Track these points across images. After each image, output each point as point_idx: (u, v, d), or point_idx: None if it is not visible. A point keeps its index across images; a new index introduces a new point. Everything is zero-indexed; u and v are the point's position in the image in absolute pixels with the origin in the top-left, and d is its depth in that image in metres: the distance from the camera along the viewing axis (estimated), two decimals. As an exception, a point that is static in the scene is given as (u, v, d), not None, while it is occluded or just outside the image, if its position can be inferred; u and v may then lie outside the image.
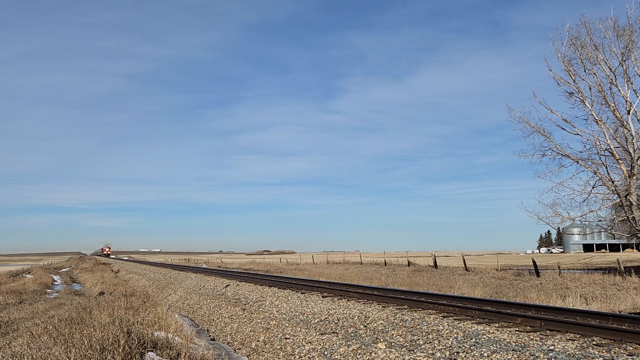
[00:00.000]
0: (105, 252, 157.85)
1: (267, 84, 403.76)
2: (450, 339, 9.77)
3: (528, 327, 10.15)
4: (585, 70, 27.37)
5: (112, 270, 61.04)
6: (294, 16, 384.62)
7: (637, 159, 26.04)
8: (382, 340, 10.76)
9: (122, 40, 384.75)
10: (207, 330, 17.20)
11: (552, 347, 8.38)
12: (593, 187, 27.76)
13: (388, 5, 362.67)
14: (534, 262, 28.73)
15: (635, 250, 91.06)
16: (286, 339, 12.86)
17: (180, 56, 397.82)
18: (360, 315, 12.96)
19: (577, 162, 27.99)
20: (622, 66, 26.37)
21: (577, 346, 8.38)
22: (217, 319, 18.04)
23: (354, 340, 11.21)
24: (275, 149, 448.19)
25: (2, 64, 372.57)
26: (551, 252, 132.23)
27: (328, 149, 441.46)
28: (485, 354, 8.66)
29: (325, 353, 11.03)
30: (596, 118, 27.28)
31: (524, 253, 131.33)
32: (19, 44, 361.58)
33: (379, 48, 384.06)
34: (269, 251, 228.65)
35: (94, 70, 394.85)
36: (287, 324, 14.02)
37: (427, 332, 10.51)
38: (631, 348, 8.10)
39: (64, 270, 79.81)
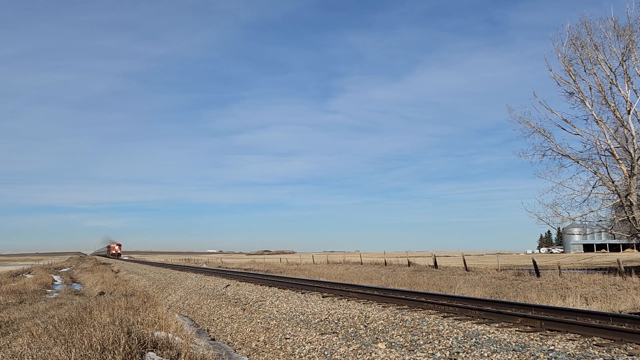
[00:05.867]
0: (113, 252, 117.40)
1: (265, 84, 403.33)
2: (451, 339, 9.77)
3: (528, 327, 10.16)
4: (585, 70, 27.42)
5: (112, 270, 61.05)
6: (291, 15, 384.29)
7: (638, 159, 26.03)
8: (382, 340, 10.76)
9: (119, 39, 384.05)
10: (207, 330, 17.20)
11: (552, 347, 8.38)
12: (593, 187, 27.80)
13: (386, 4, 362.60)
14: (534, 262, 28.72)
15: (635, 250, 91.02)
16: (286, 339, 12.86)
17: (178, 55, 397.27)
18: (361, 315, 12.96)
19: (577, 162, 28.01)
20: (623, 66, 26.39)
21: (577, 346, 8.38)
22: (217, 319, 18.04)
23: (354, 340, 11.21)
24: (275, 148, 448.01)
25: (0, 63, 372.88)
26: (551, 252, 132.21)
27: (327, 148, 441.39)
28: (486, 354, 8.67)
29: (326, 353, 11.03)
30: (596, 118, 27.29)
31: (524, 253, 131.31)
32: (16, 43, 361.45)
33: (377, 47, 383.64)
34: (269, 251, 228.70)
35: (91, 69, 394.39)
36: (287, 324, 14.02)
37: (427, 332, 10.52)
38: (631, 348, 8.10)
39: (64, 270, 79.84)
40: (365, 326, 11.95)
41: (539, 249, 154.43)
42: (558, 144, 28.32)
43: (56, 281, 49.89)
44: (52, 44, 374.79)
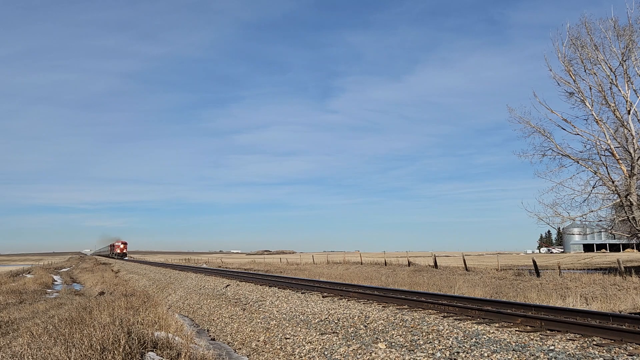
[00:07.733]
0: (117, 251, 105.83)
1: (264, 83, 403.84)
2: (451, 339, 9.77)
3: (528, 327, 10.16)
4: (585, 70, 27.40)
5: (112, 270, 61.04)
6: (290, 15, 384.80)
7: (638, 159, 26.03)
8: (382, 340, 10.76)
9: (118, 38, 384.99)
10: (208, 330, 17.20)
11: (552, 347, 8.38)
12: (593, 187, 27.78)
13: (385, 4, 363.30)
14: (534, 262, 28.72)
15: (635, 250, 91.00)
16: (286, 338, 12.86)
17: (177, 55, 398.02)
18: (361, 315, 12.96)
19: (578, 162, 28.00)
20: (623, 66, 26.38)
21: (577, 346, 8.38)
22: (218, 319, 18.04)
23: (354, 340, 11.21)
24: (274, 148, 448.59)
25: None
26: (551, 252, 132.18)
27: (327, 148, 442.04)
28: (486, 354, 8.66)
29: (326, 353, 11.03)
30: (596, 118, 27.28)
31: (524, 253, 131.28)
32: (15, 42, 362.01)
33: (376, 47, 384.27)
34: (269, 251, 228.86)
35: (90, 69, 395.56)
36: (287, 324, 14.02)
37: (427, 332, 10.51)
38: (631, 348, 8.10)
39: (64, 270, 79.80)
40: (365, 326, 11.95)
41: (539, 249, 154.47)
42: (558, 144, 28.33)
43: (56, 281, 49.88)
44: (51, 44, 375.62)
